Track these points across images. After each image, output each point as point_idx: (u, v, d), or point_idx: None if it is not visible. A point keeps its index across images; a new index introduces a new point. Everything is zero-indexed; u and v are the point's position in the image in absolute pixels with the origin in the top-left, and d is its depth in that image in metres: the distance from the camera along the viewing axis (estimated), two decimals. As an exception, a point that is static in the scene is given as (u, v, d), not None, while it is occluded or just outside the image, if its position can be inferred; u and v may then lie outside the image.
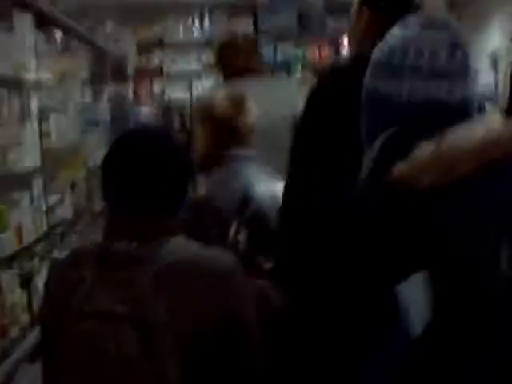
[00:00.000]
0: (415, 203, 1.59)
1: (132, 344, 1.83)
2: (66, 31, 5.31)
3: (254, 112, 3.19)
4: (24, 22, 4.12)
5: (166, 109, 6.79)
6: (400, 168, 1.61)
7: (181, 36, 10.43)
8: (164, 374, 1.84)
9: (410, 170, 1.59)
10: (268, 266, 2.62)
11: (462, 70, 1.67)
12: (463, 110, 1.66)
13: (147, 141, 2.04)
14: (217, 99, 3.22)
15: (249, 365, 2.02)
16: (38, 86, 4.42)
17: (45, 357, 2.10)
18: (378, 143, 1.69)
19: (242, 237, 2.77)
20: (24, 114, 4.09)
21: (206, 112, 3.21)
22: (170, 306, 1.86)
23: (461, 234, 1.57)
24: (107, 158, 2.04)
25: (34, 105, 4.33)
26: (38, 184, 4.21)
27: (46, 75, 4.64)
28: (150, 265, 1.91)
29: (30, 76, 4.21)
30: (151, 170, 1.98)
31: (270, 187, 3.04)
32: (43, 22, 4.59)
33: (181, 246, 2.01)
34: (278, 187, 3.08)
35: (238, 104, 3.18)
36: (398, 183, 1.59)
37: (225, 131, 3.13)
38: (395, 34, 1.74)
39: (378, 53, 1.75)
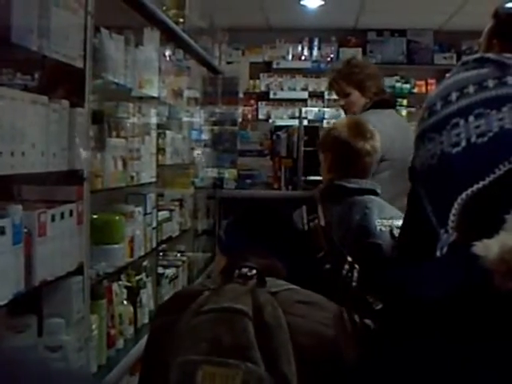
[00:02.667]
0: None
1: (247, 334, 1.85)
2: (186, 50, 5.38)
3: (377, 138, 3.14)
4: (152, 39, 4.18)
5: (273, 135, 6.78)
6: (492, 251, 1.22)
7: (289, 62, 10.47)
8: (279, 370, 1.85)
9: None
10: (378, 306, 2.59)
11: None
12: None
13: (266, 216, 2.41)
14: (337, 126, 3.21)
15: None
16: (157, 102, 4.48)
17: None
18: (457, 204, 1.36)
19: (355, 274, 2.73)
20: (144, 130, 4.15)
21: (327, 139, 3.20)
22: (288, 320, 1.92)
23: None
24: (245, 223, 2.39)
25: (154, 121, 4.39)
26: (151, 199, 4.26)
27: (164, 92, 4.70)
28: (268, 287, 2.03)
29: (152, 92, 4.26)
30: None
31: (390, 223, 2.99)
32: (167, 39, 4.68)
33: (290, 284, 2.15)
34: (399, 223, 3.04)
35: (357, 129, 3.14)
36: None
37: (346, 157, 3.09)
38: None
39: None
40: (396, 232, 2.94)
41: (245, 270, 2.07)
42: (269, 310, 1.92)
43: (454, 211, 1.32)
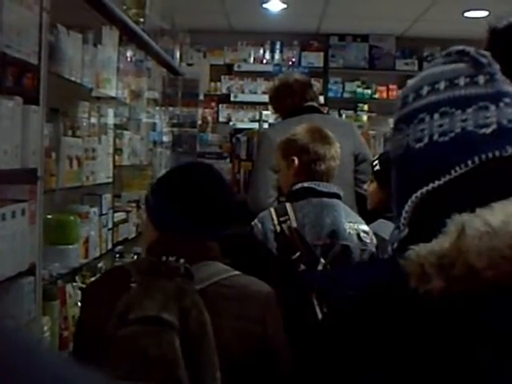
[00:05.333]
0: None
1: (174, 349, 1.84)
2: (146, 50, 5.34)
3: (337, 144, 3.20)
4: (111, 38, 4.14)
5: (233, 137, 6.76)
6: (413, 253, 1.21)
7: (250, 64, 10.46)
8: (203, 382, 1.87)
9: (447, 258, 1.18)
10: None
11: None
12: None
13: (204, 177, 2.22)
14: (298, 133, 3.23)
15: None
16: (115, 102, 4.43)
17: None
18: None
19: None
20: (101, 129, 4.10)
21: (288, 145, 3.23)
22: (214, 322, 1.92)
23: None
24: (169, 185, 2.22)
25: (111, 121, 4.35)
26: (107, 200, 4.21)
27: (122, 92, 4.66)
28: (196, 281, 2.01)
29: (110, 91, 4.22)
30: (206, 201, 2.17)
31: (356, 226, 3.07)
32: (126, 39, 4.63)
33: (224, 270, 2.14)
34: (365, 227, 3.11)
35: (320, 135, 3.19)
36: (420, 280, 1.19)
37: (313, 162, 3.14)
38: None
39: None
40: (362, 236, 3.04)
41: (172, 260, 2.02)
42: (194, 316, 1.90)
43: (406, 208, 1.30)
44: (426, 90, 1.38)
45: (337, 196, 3.17)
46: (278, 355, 2.12)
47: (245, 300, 2.09)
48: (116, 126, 4.47)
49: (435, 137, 1.32)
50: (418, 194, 1.30)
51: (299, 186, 3.15)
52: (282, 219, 3.05)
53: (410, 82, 1.44)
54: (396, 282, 1.24)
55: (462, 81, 1.35)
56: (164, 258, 2.03)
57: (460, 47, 1.41)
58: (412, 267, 1.19)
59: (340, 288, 2.57)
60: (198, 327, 1.89)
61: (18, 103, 2.75)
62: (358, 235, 3.08)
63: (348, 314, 1.32)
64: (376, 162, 3.51)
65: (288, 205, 3.12)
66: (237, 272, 2.17)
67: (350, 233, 3.08)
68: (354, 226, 3.10)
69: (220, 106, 10.32)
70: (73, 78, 3.49)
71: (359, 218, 3.18)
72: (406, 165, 1.36)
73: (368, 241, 3.10)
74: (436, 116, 1.33)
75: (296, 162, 3.20)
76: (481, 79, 1.35)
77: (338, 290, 2.59)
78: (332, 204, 3.12)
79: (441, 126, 1.32)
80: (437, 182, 1.29)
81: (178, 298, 1.92)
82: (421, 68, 10.05)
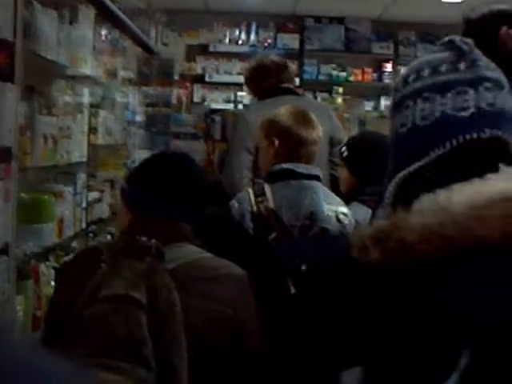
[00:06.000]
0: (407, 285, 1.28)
1: (141, 328, 1.85)
2: (121, 29, 5.30)
3: (320, 127, 3.19)
4: (87, 16, 4.10)
5: (208, 118, 6.74)
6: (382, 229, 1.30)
7: (226, 45, 10.41)
8: (169, 364, 1.87)
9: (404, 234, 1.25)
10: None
11: None
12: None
13: (180, 163, 2.27)
14: (281, 114, 3.22)
15: (252, 372, 2.15)
16: (90, 81, 4.40)
17: (49, 343, 2.12)
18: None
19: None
20: (76, 108, 4.08)
21: (271, 126, 3.21)
22: (184, 302, 1.94)
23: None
24: (143, 170, 2.29)
25: (86, 100, 4.32)
26: (81, 179, 4.19)
27: (98, 71, 4.62)
28: (167, 261, 2.02)
29: (85, 70, 4.18)
30: (181, 184, 2.20)
31: (335, 208, 3.07)
32: (101, 18, 4.59)
33: (195, 252, 2.15)
34: (344, 209, 3.11)
35: (303, 118, 3.17)
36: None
37: (293, 145, 3.13)
38: None
39: None
40: (341, 217, 3.07)
41: (144, 240, 2.03)
42: (163, 296, 1.92)
43: (390, 188, 1.38)
44: (412, 77, 1.43)
45: (316, 178, 3.15)
46: (250, 337, 2.15)
47: (215, 281, 2.10)
48: (91, 105, 4.44)
49: (417, 121, 1.38)
50: (401, 174, 1.37)
51: (278, 167, 3.14)
52: (259, 199, 3.05)
53: (403, 70, 1.51)
54: (346, 254, 1.33)
55: (443, 67, 1.41)
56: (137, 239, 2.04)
57: (450, 37, 1.46)
58: (354, 240, 1.30)
59: (298, 260, 2.65)
60: (167, 307, 1.90)
61: (-7, 80, 2.72)
62: (337, 217, 3.08)
63: (307, 284, 1.45)
64: (344, 148, 3.51)
65: (266, 185, 3.11)
66: (208, 254, 2.17)
67: (328, 215, 3.07)
68: (333, 208, 3.09)
69: (195, 86, 10.26)
70: (48, 56, 3.46)
71: (339, 200, 3.16)
72: (394, 149, 1.44)
73: (347, 222, 3.10)
74: (419, 101, 1.39)
75: (276, 143, 3.18)
76: (462, 65, 1.40)
77: (296, 263, 2.65)
78: (311, 186, 3.11)
79: (423, 110, 1.38)
80: (417, 164, 1.35)
81: (148, 278, 1.93)
82: (396, 51, 10.07)
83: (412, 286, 1.26)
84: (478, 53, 1.40)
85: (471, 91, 1.36)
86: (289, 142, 3.16)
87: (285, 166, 3.12)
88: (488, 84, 1.36)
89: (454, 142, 1.34)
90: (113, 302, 1.89)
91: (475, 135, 1.34)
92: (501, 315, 1.20)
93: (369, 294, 1.31)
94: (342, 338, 1.38)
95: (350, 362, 1.42)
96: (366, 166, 3.29)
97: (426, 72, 1.41)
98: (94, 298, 1.92)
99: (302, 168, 3.12)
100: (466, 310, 1.21)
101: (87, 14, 4.14)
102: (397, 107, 1.44)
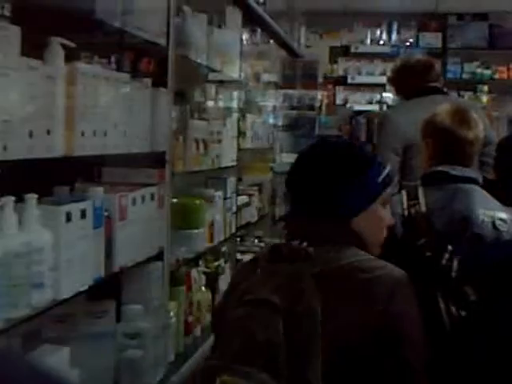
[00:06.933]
0: None
1: (279, 334, 1.83)
2: (267, 32, 5.28)
3: (481, 127, 3.03)
4: (235, 19, 4.09)
5: (353, 120, 6.67)
6: None
7: (367, 46, 10.29)
8: (302, 370, 1.84)
9: None
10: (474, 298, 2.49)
11: None
12: None
13: (330, 155, 2.17)
14: (438, 113, 3.09)
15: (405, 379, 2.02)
16: (238, 85, 4.39)
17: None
18: None
19: (455, 263, 2.63)
20: (226, 112, 4.07)
21: (428, 126, 3.09)
22: (325, 307, 1.87)
23: None
24: (295, 167, 2.21)
25: (235, 104, 4.31)
26: (231, 183, 4.17)
27: (244, 74, 4.61)
28: (316, 264, 1.96)
29: (234, 74, 4.17)
30: (331, 181, 2.09)
31: (493, 214, 2.90)
32: (247, 21, 4.58)
33: (350, 255, 2.05)
34: (502, 214, 2.93)
35: (461, 117, 3.03)
36: None
37: (448, 145, 3.00)
38: None
39: None
40: (498, 224, 2.88)
41: (295, 243, 2.02)
42: (305, 300, 1.88)
43: None
44: None
45: (473, 181, 3.00)
46: (405, 342, 2.01)
47: (368, 283, 2.00)
48: (239, 109, 4.43)
49: None
50: None
51: (432, 169, 3.01)
52: (411, 203, 2.93)
53: None
54: None
55: None
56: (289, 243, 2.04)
57: None
58: None
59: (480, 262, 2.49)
60: (307, 311, 1.87)
61: (147, 85, 2.72)
62: (493, 223, 2.90)
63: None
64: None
65: (420, 189, 2.98)
66: (365, 256, 2.08)
67: (483, 220, 2.90)
68: (490, 214, 2.92)
69: (337, 88, 10.19)
70: (199, 61, 3.45)
71: (498, 205, 2.95)
72: None
73: (504, 229, 2.92)
74: None
75: (431, 144, 3.06)
76: None
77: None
78: (466, 189, 2.95)
79: None
80: None
81: (293, 281, 1.91)
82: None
83: None
84: None
85: None
86: (444, 143, 3.02)
87: (439, 168, 2.99)
88: None
89: None
90: (252, 306, 1.89)
91: None
92: None
93: None
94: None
95: None
96: None
97: None
98: (240, 301, 1.93)
99: (457, 170, 2.97)
100: None
101: (234, 17, 4.13)
102: None
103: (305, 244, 2.00)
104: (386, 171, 2.16)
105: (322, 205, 2.10)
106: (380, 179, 2.13)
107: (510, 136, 3.97)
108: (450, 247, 2.68)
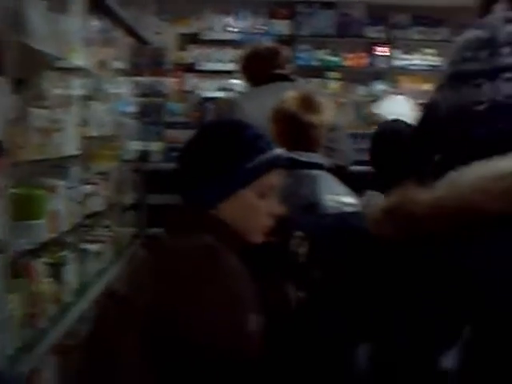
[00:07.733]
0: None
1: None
2: (113, 19, 5.22)
3: (327, 112, 3.06)
4: (78, 6, 4.02)
5: (201, 106, 6.68)
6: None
7: (217, 33, 10.31)
8: None
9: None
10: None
11: None
12: None
13: (196, 140, 2.14)
14: (286, 99, 3.12)
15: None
16: (81, 72, 4.32)
17: None
18: None
19: (302, 249, 2.65)
20: (68, 100, 4.00)
21: (275, 113, 3.10)
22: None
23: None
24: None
25: (78, 91, 4.24)
26: (75, 172, 4.11)
27: (89, 62, 4.54)
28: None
29: (77, 62, 4.10)
30: (192, 168, 2.06)
31: (339, 197, 2.94)
32: (93, 8, 4.51)
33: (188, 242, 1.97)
34: (349, 199, 2.99)
35: (307, 102, 3.06)
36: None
37: (295, 130, 3.01)
38: None
39: None
40: (345, 209, 2.91)
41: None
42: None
43: None
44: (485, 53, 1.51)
45: (319, 166, 3.04)
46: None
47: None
48: (82, 97, 4.36)
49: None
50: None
51: None
52: None
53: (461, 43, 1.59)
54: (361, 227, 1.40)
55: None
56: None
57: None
58: (370, 214, 1.38)
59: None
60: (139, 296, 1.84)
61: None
62: (340, 208, 2.95)
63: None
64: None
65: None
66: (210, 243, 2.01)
67: (330, 206, 2.95)
68: (337, 199, 2.96)
69: (186, 75, 10.17)
70: (39, 48, 3.37)
71: (345, 189, 3.01)
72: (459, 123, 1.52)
73: None
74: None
75: (276, 130, 3.08)
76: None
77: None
78: (312, 175, 3.00)
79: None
80: None
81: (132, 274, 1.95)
82: (389, 35, 10.01)
83: (420, 260, 1.29)
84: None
85: None
86: (290, 128, 3.04)
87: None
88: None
89: None
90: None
91: None
92: (501, 291, 1.23)
93: (379, 267, 1.36)
94: (354, 312, 1.45)
95: (360, 336, 1.45)
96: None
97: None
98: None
99: (303, 156, 3.00)
100: (468, 284, 1.24)
101: (78, 3, 4.06)
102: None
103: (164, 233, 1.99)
104: (265, 158, 2.08)
105: (184, 193, 2.07)
106: (250, 165, 2.05)
107: (384, 128, 4.05)
108: (298, 233, 2.70)
